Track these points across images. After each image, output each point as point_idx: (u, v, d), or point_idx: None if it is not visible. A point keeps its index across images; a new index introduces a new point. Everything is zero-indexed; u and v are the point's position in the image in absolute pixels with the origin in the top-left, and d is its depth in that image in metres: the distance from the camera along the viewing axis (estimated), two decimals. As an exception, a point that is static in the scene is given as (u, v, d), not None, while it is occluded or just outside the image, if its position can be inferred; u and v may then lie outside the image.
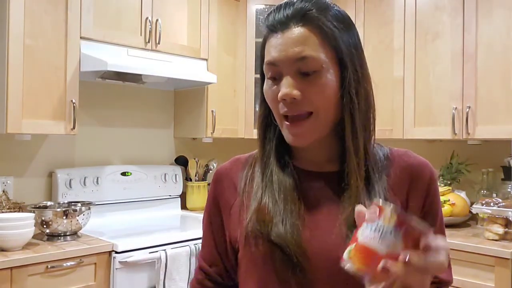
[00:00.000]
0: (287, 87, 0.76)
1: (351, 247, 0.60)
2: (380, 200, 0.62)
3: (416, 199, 0.83)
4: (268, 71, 0.80)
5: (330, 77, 0.77)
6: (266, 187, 0.83)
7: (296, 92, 0.75)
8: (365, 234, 0.59)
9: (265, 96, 0.83)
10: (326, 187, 0.83)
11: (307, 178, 0.84)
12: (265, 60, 0.80)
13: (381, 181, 0.81)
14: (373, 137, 0.83)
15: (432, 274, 0.61)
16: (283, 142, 0.84)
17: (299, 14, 0.77)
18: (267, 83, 0.81)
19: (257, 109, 2.96)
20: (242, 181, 0.88)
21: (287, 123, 0.78)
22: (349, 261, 0.60)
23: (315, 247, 0.77)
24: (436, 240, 0.59)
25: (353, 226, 0.72)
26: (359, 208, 0.64)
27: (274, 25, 0.79)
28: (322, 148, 0.84)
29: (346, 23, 0.80)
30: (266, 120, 0.86)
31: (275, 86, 0.79)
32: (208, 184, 2.98)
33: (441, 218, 0.87)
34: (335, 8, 0.80)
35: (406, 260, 0.57)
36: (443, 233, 0.87)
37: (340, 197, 0.80)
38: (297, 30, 0.76)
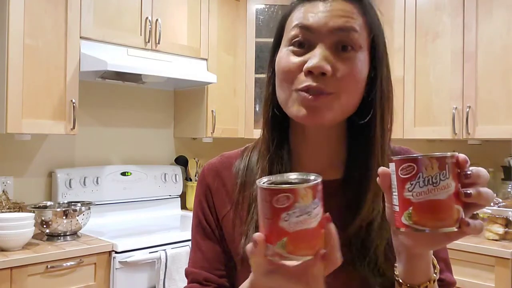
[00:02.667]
0: (320, 58, 0.66)
1: (408, 212, 0.54)
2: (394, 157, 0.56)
3: None
4: (296, 35, 0.69)
5: (364, 61, 0.70)
6: None
7: (328, 67, 0.66)
8: (417, 191, 0.54)
9: (277, 65, 0.72)
10: (330, 197, 0.72)
11: None
12: (296, 22, 0.69)
13: None
14: (390, 139, 0.76)
15: (482, 206, 0.56)
16: (285, 144, 0.76)
17: None
18: (287, 50, 0.70)
19: (257, 109, 2.96)
20: (236, 188, 0.79)
21: (305, 94, 0.67)
22: (415, 226, 0.54)
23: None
24: (477, 168, 0.55)
25: (360, 244, 0.68)
26: (382, 169, 0.58)
27: None
28: (327, 150, 0.76)
29: (377, 13, 0.75)
30: (272, 107, 0.76)
31: (300, 55, 0.69)
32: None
33: None
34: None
35: (469, 196, 0.53)
36: None
37: (344, 208, 0.70)
38: (343, 3, 0.69)
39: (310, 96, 0.67)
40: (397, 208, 0.56)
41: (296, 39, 0.69)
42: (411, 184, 0.54)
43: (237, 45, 2.98)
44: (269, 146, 0.75)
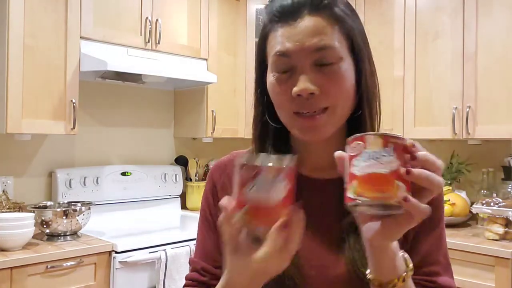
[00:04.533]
0: (305, 81, 0.68)
1: (353, 184, 0.57)
2: (353, 136, 0.58)
3: None
4: (277, 63, 0.71)
5: (348, 68, 0.71)
6: None
7: (313, 87, 0.68)
8: (361, 166, 0.56)
9: (270, 91, 0.74)
10: (329, 196, 0.75)
11: (309, 187, 0.77)
12: (275, 50, 0.71)
13: None
14: None
15: (431, 194, 0.56)
16: (281, 145, 0.79)
17: (311, 1, 0.70)
18: (273, 77, 0.73)
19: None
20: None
21: (301, 117, 0.71)
22: (358, 197, 0.56)
23: (311, 264, 0.73)
24: (425, 153, 0.57)
25: (354, 231, 0.69)
26: (338, 153, 0.60)
27: (283, 12, 0.71)
28: (328, 149, 0.74)
29: (354, 12, 0.75)
30: (264, 121, 0.79)
31: (286, 80, 0.71)
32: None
33: (443, 229, 0.79)
34: None
35: (409, 172, 0.54)
36: (444, 247, 0.79)
37: (340, 205, 0.73)
38: (311, 19, 0.69)
39: (306, 118, 0.70)
40: (346, 186, 0.59)
41: (279, 65, 0.72)
42: (357, 160, 0.57)
43: (237, 45, 2.97)
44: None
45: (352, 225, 0.69)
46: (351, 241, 0.71)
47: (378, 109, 0.77)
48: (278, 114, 0.75)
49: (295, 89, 0.69)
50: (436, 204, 0.74)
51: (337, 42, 0.70)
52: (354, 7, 0.78)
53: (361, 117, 0.74)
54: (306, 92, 0.68)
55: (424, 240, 0.76)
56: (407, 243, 0.75)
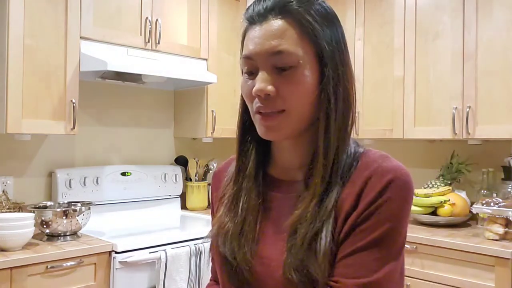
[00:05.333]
0: (261, 82, 0.73)
1: None
2: None
3: (361, 205, 0.71)
4: (244, 65, 0.76)
5: (308, 73, 0.73)
6: (233, 196, 0.82)
7: (270, 88, 0.72)
8: None
9: (241, 91, 0.80)
10: (289, 198, 0.79)
11: (274, 188, 0.82)
12: (242, 53, 0.77)
13: (337, 188, 0.73)
14: (348, 139, 0.77)
15: None
16: (262, 146, 0.84)
17: (278, 6, 0.73)
18: (243, 78, 0.78)
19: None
20: (225, 183, 0.88)
21: (259, 116, 0.76)
22: None
23: (262, 262, 0.76)
24: None
25: (293, 234, 0.72)
26: None
27: (252, 16, 0.76)
28: (296, 151, 0.81)
29: (329, 19, 0.76)
30: (244, 120, 0.83)
31: (251, 81, 0.76)
32: (209, 184, 2.98)
33: (387, 235, 0.70)
34: (319, 2, 0.76)
35: None
36: (379, 254, 0.69)
37: (293, 207, 0.76)
38: (275, 23, 0.73)
39: (263, 117, 0.75)
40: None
41: (245, 68, 0.76)
42: None
43: (237, 45, 2.95)
44: (239, 157, 0.84)
45: (291, 229, 0.72)
46: (288, 245, 0.72)
47: (347, 118, 0.76)
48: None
49: (254, 90, 0.74)
50: (374, 209, 0.70)
51: (297, 47, 0.72)
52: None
53: (316, 124, 0.75)
54: (262, 93, 0.73)
55: (351, 243, 0.70)
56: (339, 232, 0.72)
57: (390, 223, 0.70)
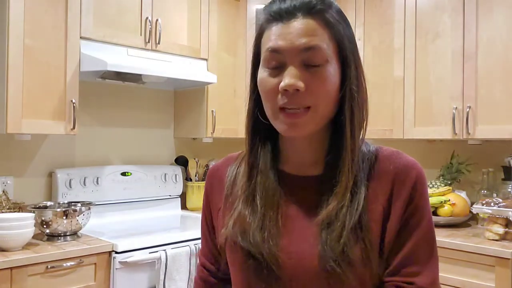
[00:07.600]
0: (292, 77, 0.73)
1: None
2: None
3: (398, 206, 0.77)
4: (269, 59, 0.76)
5: (333, 71, 0.75)
6: (249, 192, 0.82)
7: (300, 84, 0.73)
8: None
9: (259, 86, 0.79)
10: (308, 192, 0.80)
11: (290, 183, 0.82)
12: (267, 47, 0.76)
13: (364, 182, 0.77)
14: (364, 135, 0.81)
15: None
16: (270, 142, 0.84)
17: (306, 6, 0.75)
18: (264, 72, 0.77)
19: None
20: (228, 181, 0.88)
21: (284, 112, 0.75)
22: None
23: (290, 256, 0.76)
24: None
25: (327, 227, 0.74)
26: None
27: (279, 13, 0.76)
28: (311, 147, 0.82)
29: (345, 18, 0.80)
30: (255, 115, 0.83)
31: (275, 76, 0.75)
32: (208, 184, 2.98)
33: (428, 228, 0.78)
34: (335, 3, 0.80)
35: None
36: (428, 246, 0.77)
37: (317, 202, 0.78)
38: (305, 21, 0.74)
39: (287, 115, 0.75)
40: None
41: (270, 61, 0.76)
42: None
43: (237, 45, 2.97)
44: (251, 152, 0.85)
45: (324, 222, 0.74)
46: (323, 237, 0.74)
47: (363, 114, 0.80)
48: (264, 109, 0.80)
49: (282, 84, 0.73)
50: (413, 207, 0.77)
51: (325, 45, 0.75)
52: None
53: (342, 121, 0.78)
54: (292, 88, 0.73)
55: (403, 243, 0.76)
56: (383, 243, 0.76)
57: (428, 214, 0.78)
